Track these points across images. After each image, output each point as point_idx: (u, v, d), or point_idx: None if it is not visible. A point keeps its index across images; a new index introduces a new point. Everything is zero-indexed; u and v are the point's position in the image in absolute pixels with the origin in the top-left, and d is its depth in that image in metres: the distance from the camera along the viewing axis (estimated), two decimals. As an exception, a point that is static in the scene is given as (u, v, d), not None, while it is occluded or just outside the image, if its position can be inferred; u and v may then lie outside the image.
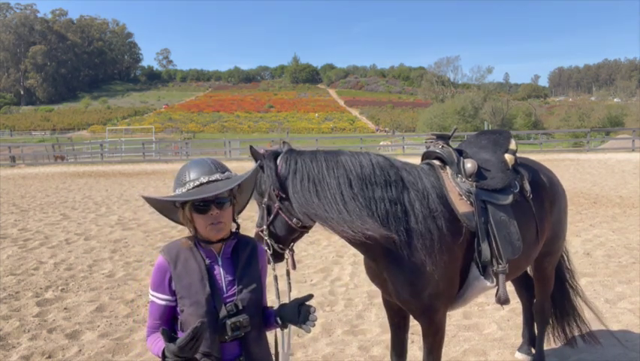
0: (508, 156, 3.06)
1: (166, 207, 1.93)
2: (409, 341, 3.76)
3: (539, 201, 3.13)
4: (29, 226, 9.53)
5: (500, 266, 2.75)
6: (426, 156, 3.07)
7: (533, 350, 3.77)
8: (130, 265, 6.72)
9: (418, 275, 2.54)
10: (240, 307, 1.84)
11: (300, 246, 7.40)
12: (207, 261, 1.88)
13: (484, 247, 2.71)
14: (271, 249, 2.44)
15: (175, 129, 69.06)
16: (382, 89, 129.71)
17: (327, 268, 6.39)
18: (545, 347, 3.72)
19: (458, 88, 77.63)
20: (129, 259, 7.03)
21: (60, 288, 5.76)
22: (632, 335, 4.19)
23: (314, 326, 1.91)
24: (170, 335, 1.67)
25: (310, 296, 1.99)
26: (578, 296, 3.82)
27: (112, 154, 33.38)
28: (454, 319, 4.63)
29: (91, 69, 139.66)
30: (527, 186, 3.05)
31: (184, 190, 1.82)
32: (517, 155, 3.18)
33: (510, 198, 2.89)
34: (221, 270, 1.89)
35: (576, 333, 3.79)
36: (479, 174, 2.87)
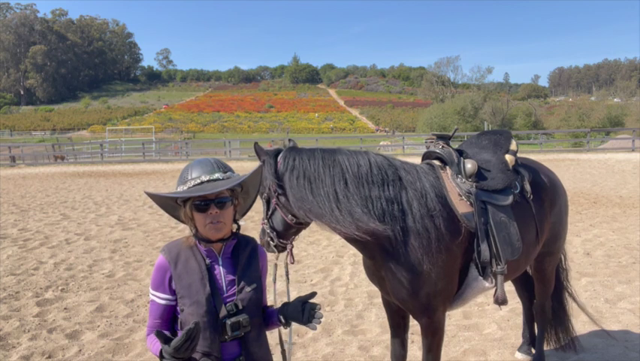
0: (508, 157, 3.06)
1: (169, 205, 1.94)
2: (409, 341, 3.76)
3: (539, 201, 3.13)
4: (29, 226, 9.53)
5: (499, 267, 2.75)
6: (426, 156, 3.07)
7: (533, 350, 3.77)
8: (130, 265, 6.72)
9: (415, 274, 2.54)
10: (240, 307, 1.85)
11: (300, 246, 7.40)
12: (208, 261, 1.88)
13: (484, 248, 2.71)
14: (273, 241, 2.55)
15: (175, 129, 69.11)
16: (382, 89, 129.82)
17: (327, 268, 6.39)
18: (545, 347, 3.71)
19: (458, 88, 77.62)
20: (129, 259, 7.03)
21: (60, 288, 5.76)
22: (632, 335, 4.19)
23: (320, 323, 1.92)
24: (165, 337, 1.68)
25: (314, 294, 2.01)
26: (570, 297, 3.81)
27: (112, 154, 33.43)
28: (454, 319, 4.63)
29: (91, 69, 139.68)
30: (528, 187, 3.05)
31: (185, 188, 1.85)
32: (517, 155, 3.18)
33: (510, 199, 2.89)
34: (222, 270, 1.90)
35: (561, 335, 3.77)
36: (479, 175, 2.87)
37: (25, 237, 8.49)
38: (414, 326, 3.72)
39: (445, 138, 3.04)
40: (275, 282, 2.46)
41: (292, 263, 2.57)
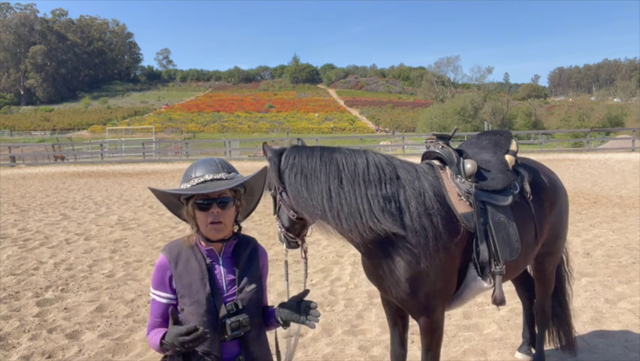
0: (508, 157, 3.06)
1: (172, 202, 1.95)
2: (409, 341, 3.76)
3: (539, 201, 3.12)
4: (29, 226, 9.53)
5: (498, 267, 2.75)
6: (426, 156, 3.07)
7: (533, 350, 3.77)
8: (130, 265, 6.73)
9: (413, 273, 2.54)
10: (240, 307, 1.86)
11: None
12: (208, 260, 1.89)
13: (483, 248, 2.71)
14: (284, 237, 2.66)
15: (175, 129, 69.13)
16: (382, 89, 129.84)
17: (327, 268, 6.39)
18: (545, 348, 3.71)
19: (458, 88, 77.65)
20: (129, 259, 7.04)
21: (60, 288, 5.76)
22: (632, 335, 4.20)
23: (317, 321, 1.93)
24: (177, 318, 1.77)
25: (306, 292, 2.03)
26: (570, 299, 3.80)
27: (112, 154, 33.40)
28: (453, 319, 4.63)
29: (91, 69, 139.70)
30: (527, 187, 3.05)
31: (188, 185, 1.86)
32: (517, 155, 3.18)
33: (510, 200, 2.89)
34: (222, 269, 1.91)
35: (562, 336, 3.76)
36: (479, 175, 2.87)
37: (25, 237, 8.49)
38: (413, 326, 3.71)
39: (445, 138, 3.04)
40: (287, 279, 2.57)
41: (304, 259, 2.63)
